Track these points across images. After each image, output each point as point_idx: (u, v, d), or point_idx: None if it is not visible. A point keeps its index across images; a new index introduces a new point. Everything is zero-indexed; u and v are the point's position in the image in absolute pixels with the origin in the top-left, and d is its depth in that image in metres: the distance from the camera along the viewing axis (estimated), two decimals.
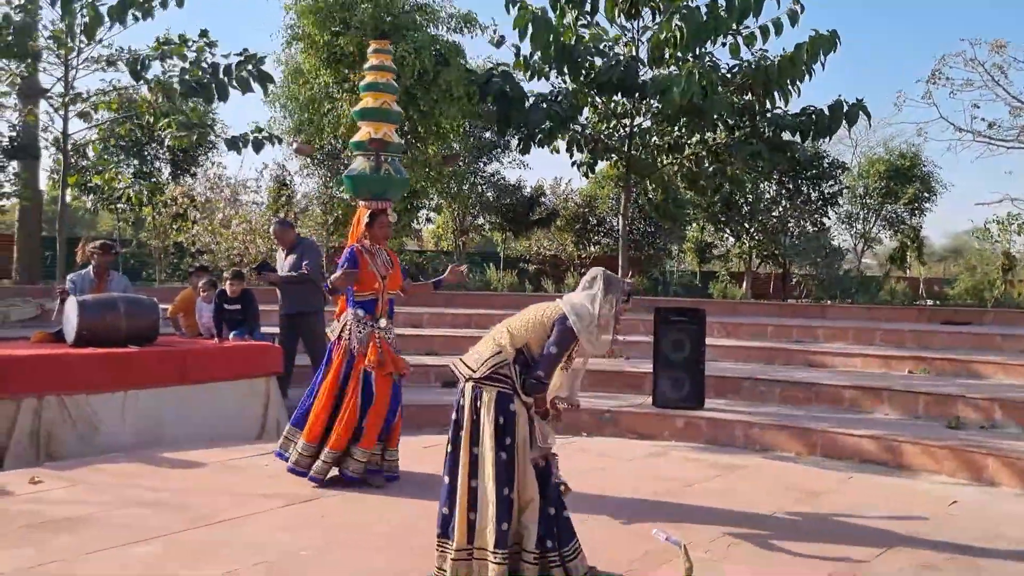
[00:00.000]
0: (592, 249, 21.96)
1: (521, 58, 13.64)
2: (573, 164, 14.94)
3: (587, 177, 16.67)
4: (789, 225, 21.33)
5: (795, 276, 20.04)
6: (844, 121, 13.90)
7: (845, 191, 22.84)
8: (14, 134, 14.35)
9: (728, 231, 22.96)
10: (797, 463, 7.53)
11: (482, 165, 21.37)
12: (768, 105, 13.81)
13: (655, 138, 14.66)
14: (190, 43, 12.47)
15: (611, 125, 14.68)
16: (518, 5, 12.84)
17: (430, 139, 14.23)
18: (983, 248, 23.13)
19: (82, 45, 12.53)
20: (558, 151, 14.50)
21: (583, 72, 13.56)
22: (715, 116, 13.37)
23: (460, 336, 10.75)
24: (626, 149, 14.30)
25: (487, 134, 19.68)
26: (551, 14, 13.05)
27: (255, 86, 12.48)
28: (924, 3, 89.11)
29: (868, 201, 23.99)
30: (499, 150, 21.05)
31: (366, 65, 6.62)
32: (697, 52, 13.21)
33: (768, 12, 13.59)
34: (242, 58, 12.49)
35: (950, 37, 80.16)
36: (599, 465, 6.98)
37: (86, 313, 7.41)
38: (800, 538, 4.99)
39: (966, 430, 8.05)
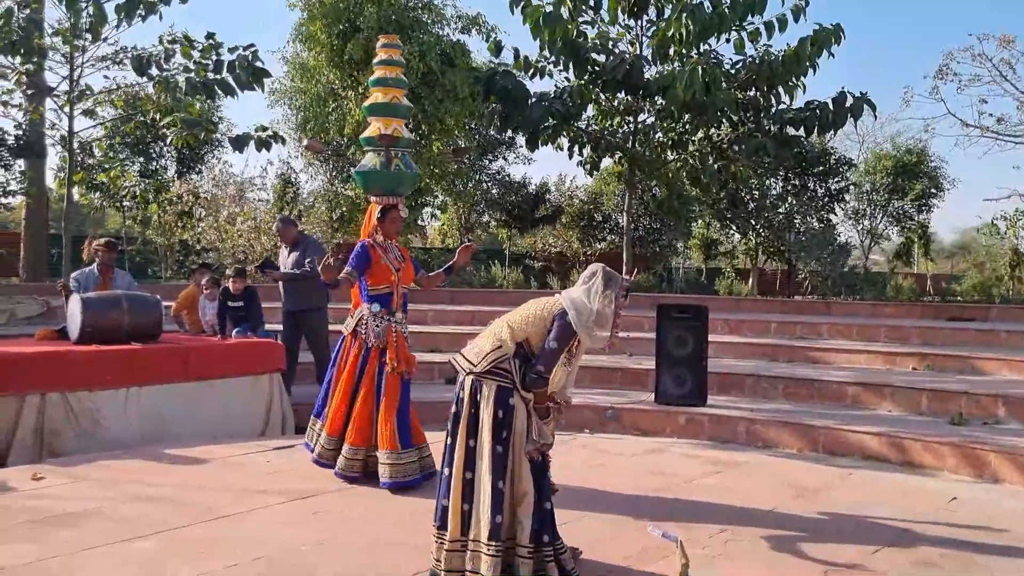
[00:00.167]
0: (598, 246, 21.95)
1: (522, 59, 13.67)
2: (577, 163, 14.94)
3: (591, 175, 16.67)
4: (795, 222, 21.27)
5: (801, 273, 20.00)
6: (849, 115, 13.86)
7: (852, 187, 22.76)
8: (20, 132, 14.40)
9: (734, 228, 22.91)
10: (798, 460, 7.52)
11: (487, 162, 21.38)
12: (772, 101, 13.79)
13: (659, 134, 14.65)
14: (196, 44, 12.52)
15: (614, 122, 14.68)
16: (522, 4, 12.86)
17: (435, 137, 14.27)
18: (991, 244, 23.04)
19: (87, 43, 12.59)
20: (562, 148, 14.51)
21: (588, 69, 13.57)
22: (718, 112, 13.34)
23: (464, 333, 10.72)
24: (630, 146, 14.29)
25: (492, 131, 19.71)
26: (562, 10, 13.05)
27: (253, 83, 12.49)
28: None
29: (875, 197, 23.90)
30: (504, 147, 21.07)
31: (375, 60, 6.62)
32: (701, 48, 13.21)
33: (772, 8, 13.53)
34: (244, 51, 12.51)
35: (958, 33, 79.86)
36: (600, 462, 7.00)
37: (89, 310, 7.46)
38: (798, 534, 5.00)
39: (969, 427, 8.02)
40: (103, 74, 13.22)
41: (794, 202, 21.56)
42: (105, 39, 12.56)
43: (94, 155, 15.36)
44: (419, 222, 19.43)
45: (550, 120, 13.62)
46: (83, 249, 9.04)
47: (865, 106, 13.78)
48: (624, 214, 15.89)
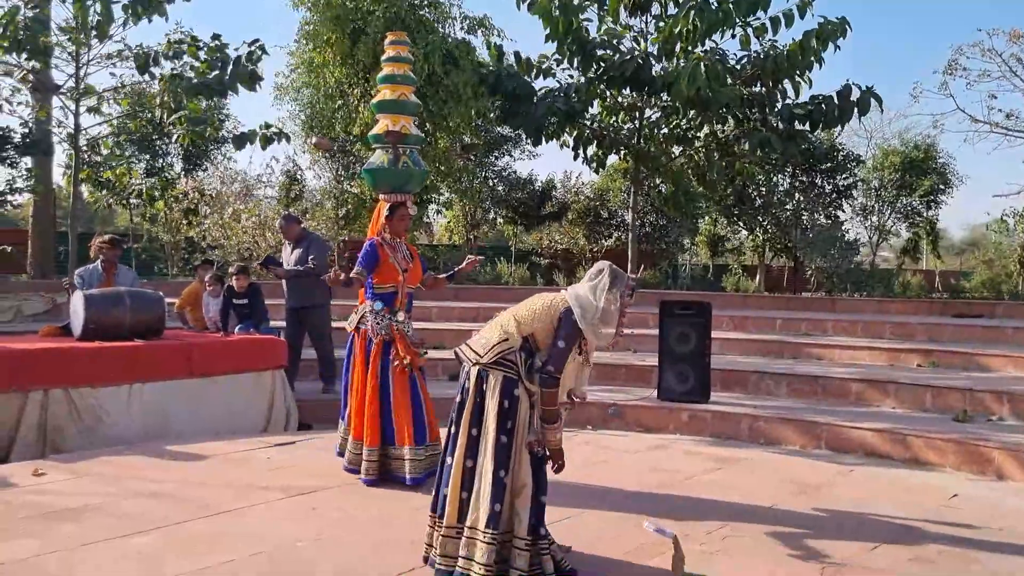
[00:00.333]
0: (604, 243, 21.92)
1: (524, 62, 13.71)
2: (582, 160, 14.92)
3: (597, 173, 16.66)
4: (803, 218, 21.19)
5: (809, 269, 19.93)
6: (856, 110, 13.82)
7: (860, 184, 22.67)
8: (26, 130, 14.47)
9: (741, 224, 22.85)
10: (801, 456, 7.51)
11: (493, 159, 21.37)
12: (778, 96, 13.76)
13: (664, 130, 14.63)
14: (201, 44, 12.58)
15: (619, 118, 14.67)
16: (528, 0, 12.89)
17: (440, 135, 14.29)
18: (1000, 240, 22.91)
19: (94, 41, 12.64)
20: (568, 146, 14.51)
21: (595, 65, 13.58)
22: (723, 108, 13.31)
23: (469, 330, 10.72)
24: (635, 143, 14.28)
25: (499, 129, 19.71)
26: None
27: (250, 84, 12.56)
28: None
29: (883, 194, 23.79)
30: (510, 144, 21.06)
31: (383, 57, 6.57)
32: (707, 44, 13.20)
33: (778, 4, 13.55)
34: (251, 48, 12.58)
35: (967, 28, 79.40)
36: (601, 458, 7.00)
37: (92, 307, 7.49)
38: (797, 531, 4.99)
39: (974, 423, 7.98)
40: (108, 71, 13.22)
41: (801, 198, 21.49)
42: (111, 37, 12.61)
43: (100, 153, 15.40)
44: (425, 219, 19.42)
45: (553, 118, 13.64)
46: (90, 246, 9.07)
47: (872, 100, 13.75)
48: (630, 211, 15.88)
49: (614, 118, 14.76)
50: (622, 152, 15.05)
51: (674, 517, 5.16)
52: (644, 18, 13.94)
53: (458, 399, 4.21)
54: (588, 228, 22.00)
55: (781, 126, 14.05)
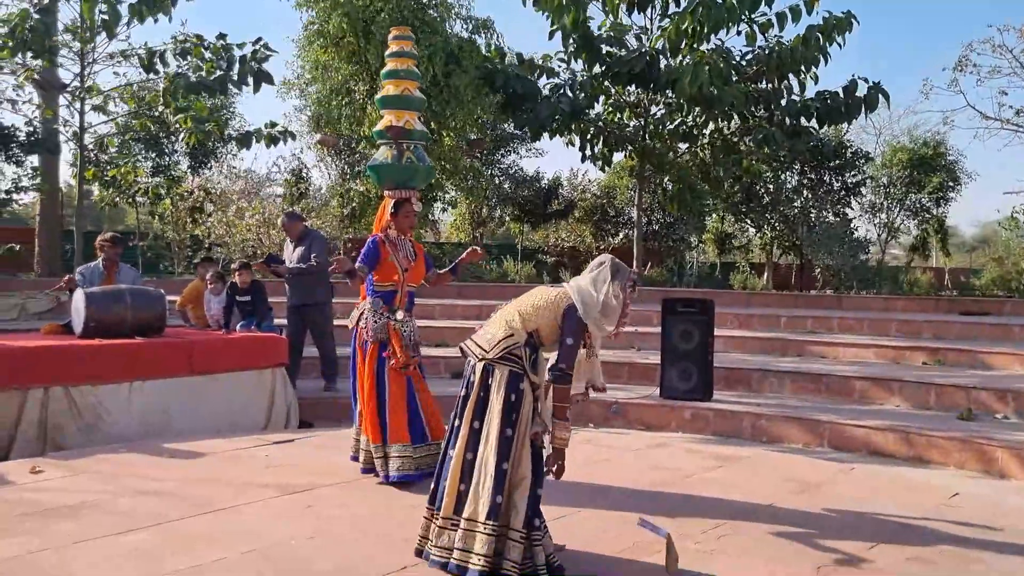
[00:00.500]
0: (611, 240, 21.87)
1: (527, 61, 13.70)
2: (584, 159, 14.89)
3: (602, 170, 16.62)
4: (811, 216, 21.09)
5: (817, 267, 19.84)
6: (863, 106, 13.75)
7: (868, 181, 22.55)
8: (31, 128, 14.51)
9: (749, 221, 22.75)
10: (802, 455, 7.47)
11: (499, 157, 21.34)
12: (784, 92, 13.70)
13: (670, 125, 14.59)
14: (206, 43, 12.62)
15: (624, 115, 14.63)
16: None
17: (445, 133, 14.30)
18: (1010, 238, 22.75)
19: (99, 40, 12.70)
20: (573, 144, 14.49)
21: (600, 62, 13.56)
22: (728, 106, 13.26)
23: (472, 328, 10.73)
24: (640, 139, 14.24)
25: (505, 126, 19.69)
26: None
27: (254, 83, 12.59)
28: None
29: (892, 191, 23.66)
30: (517, 142, 21.02)
31: (387, 52, 6.51)
32: (712, 41, 13.15)
33: (785, 1, 13.44)
34: (256, 48, 12.62)
35: (979, 24, 78.92)
36: (602, 456, 6.96)
37: (93, 305, 7.50)
38: (795, 529, 4.94)
39: (978, 422, 7.93)
40: (113, 70, 13.33)
41: (810, 196, 21.38)
42: (116, 35, 12.65)
43: (107, 151, 15.46)
44: (430, 217, 19.43)
45: (557, 116, 13.62)
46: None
47: (879, 96, 13.68)
48: (635, 208, 15.84)
49: (619, 115, 14.71)
50: (627, 149, 15.01)
51: (672, 515, 5.13)
52: (650, 13, 13.89)
53: (462, 393, 4.23)
54: (595, 226, 21.95)
55: (788, 122, 13.97)
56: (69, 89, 13.38)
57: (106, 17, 12.03)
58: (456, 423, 4.21)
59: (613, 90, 14.27)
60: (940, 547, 4.71)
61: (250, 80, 12.87)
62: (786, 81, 13.49)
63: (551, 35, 13.31)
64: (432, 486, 4.28)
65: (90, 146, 13.94)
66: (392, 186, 6.25)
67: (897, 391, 8.90)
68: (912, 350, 10.40)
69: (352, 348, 6.03)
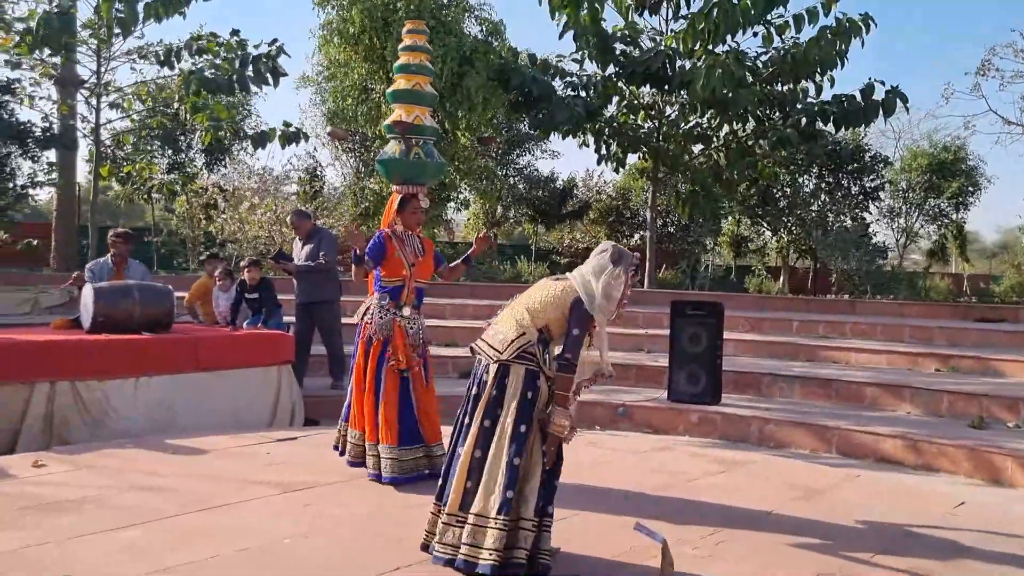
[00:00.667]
0: (626, 242, 21.80)
1: (540, 61, 13.68)
2: (600, 161, 14.84)
3: (616, 172, 16.58)
4: (828, 219, 20.95)
5: (834, 271, 19.70)
6: (881, 111, 13.62)
7: (887, 185, 22.38)
8: (47, 124, 14.62)
9: (765, 225, 22.62)
10: (809, 461, 7.40)
11: (515, 157, 21.33)
12: (800, 95, 13.60)
13: (684, 126, 14.53)
14: (221, 40, 12.68)
15: (638, 116, 14.58)
16: None
17: (459, 133, 14.31)
18: None
19: (116, 39, 12.78)
20: (587, 145, 14.45)
21: (616, 62, 13.52)
22: (742, 110, 13.18)
23: (482, 328, 10.71)
24: (654, 140, 14.18)
25: (521, 126, 19.66)
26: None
27: (270, 79, 12.65)
28: None
29: (910, 195, 23.47)
30: (531, 142, 21.01)
31: (400, 46, 6.44)
32: (728, 43, 13.08)
33: (804, 2, 13.36)
34: (270, 48, 12.68)
35: (1001, 27, 78.10)
36: (605, 459, 6.92)
37: (101, 300, 7.53)
38: (793, 537, 4.88)
39: (990, 430, 7.84)
40: (130, 66, 13.37)
41: (827, 200, 21.24)
42: (132, 33, 12.74)
43: (123, 148, 15.57)
44: (444, 216, 19.44)
45: (571, 117, 13.59)
46: None
47: (897, 100, 13.54)
48: (649, 210, 15.77)
49: (633, 117, 14.66)
50: (641, 151, 14.95)
51: (671, 519, 5.08)
52: (666, 13, 13.83)
53: (473, 391, 4.24)
54: (610, 227, 21.90)
55: (803, 124, 13.87)
56: (87, 86, 13.48)
57: (123, 16, 12.11)
58: (465, 420, 4.22)
59: (628, 91, 14.21)
60: (942, 556, 4.64)
61: (269, 78, 12.92)
62: (802, 83, 13.38)
63: (562, 34, 13.28)
64: (440, 483, 4.29)
65: (107, 142, 14.02)
66: (400, 181, 6.20)
67: (908, 398, 8.81)
68: (925, 356, 10.30)
69: (355, 342, 6.01)
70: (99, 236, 13.12)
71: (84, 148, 16.81)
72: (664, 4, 13.55)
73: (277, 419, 8.07)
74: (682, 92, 13.50)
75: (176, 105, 13.16)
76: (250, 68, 12.86)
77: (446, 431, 5.94)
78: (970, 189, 23.04)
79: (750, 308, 13.47)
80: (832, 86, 13.66)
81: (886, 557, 4.58)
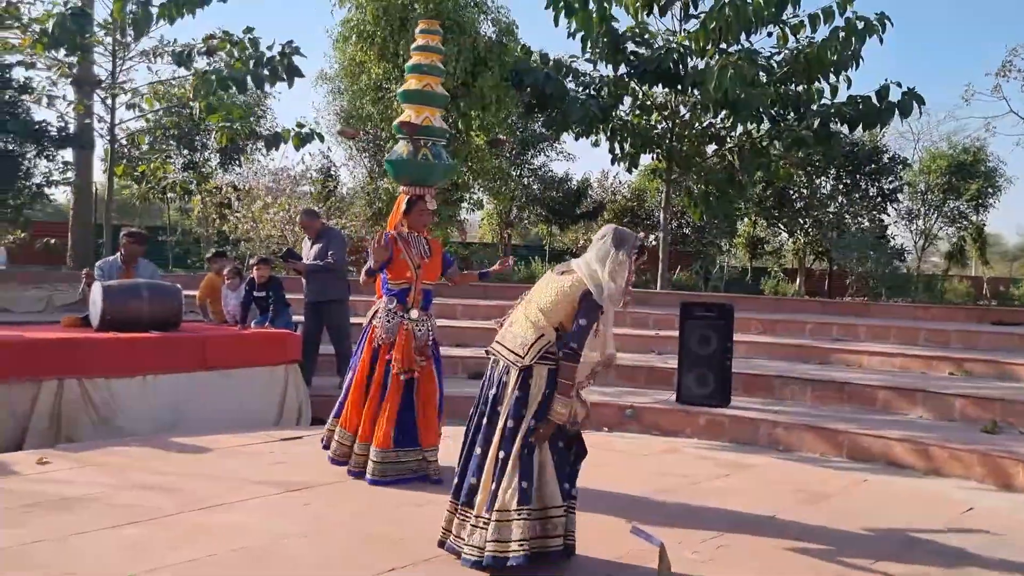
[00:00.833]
0: None
1: (552, 61, 13.65)
2: (613, 161, 14.79)
3: (629, 172, 16.52)
4: (846, 221, 20.78)
5: (851, 274, 19.54)
6: (897, 112, 13.49)
7: (906, 187, 22.17)
8: (62, 124, 14.75)
9: (781, 226, 22.46)
10: (816, 465, 7.32)
11: (529, 158, 21.30)
12: (815, 95, 13.50)
13: (697, 126, 14.45)
14: (234, 38, 12.74)
15: (651, 117, 14.51)
16: None
17: (472, 133, 14.30)
18: None
19: (131, 40, 12.87)
20: (598, 144, 14.40)
21: (627, 61, 13.47)
22: (755, 110, 13.08)
23: (493, 329, 10.67)
24: (667, 141, 14.12)
25: (536, 127, 19.63)
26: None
27: (285, 78, 12.69)
28: None
29: (929, 197, 23.24)
30: (546, 143, 20.97)
31: (412, 46, 6.40)
32: (741, 42, 12.99)
33: (819, 2, 13.22)
34: (283, 49, 12.73)
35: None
36: (609, 461, 6.86)
37: (109, 298, 7.57)
38: (794, 543, 4.82)
39: (1004, 435, 7.74)
40: (146, 66, 13.44)
41: (844, 201, 21.07)
42: (147, 34, 12.83)
43: (139, 147, 15.68)
44: (458, 217, 19.45)
45: (586, 117, 13.55)
46: None
47: (913, 102, 13.41)
48: (662, 211, 15.70)
49: (646, 117, 14.60)
50: (655, 151, 14.89)
51: (673, 522, 5.05)
52: (679, 14, 13.77)
53: (492, 392, 4.24)
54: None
55: (815, 124, 13.75)
56: (103, 86, 13.57)
57: (136, 16, 12.20)
58: (483, 422, 4.24)
59: (641, 92, 14.16)
60: (946, 563, 4.56)
61: (284, 75, 12.97)
62: (816, 84, 13.27)
63: (571, 34, 13.24)
64: (456, 481, 4.32)
65: (123, 142, 14.12)
66: (408, 182, 6.14)
67: (920, 401, 8.71)
68: (939, 360, 10.19)
69: (359, 344, 5.99)
70: (113, 235, 13.21)
71: (100, 148, 16.96)
72: (675, 4, 13.47)
73: (284, 418, 8.08)
74: (695, 92, 13.42)
75: (191, 105, 13.21)
76: (266, 68, 12.93)
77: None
78: (990, 191, 22.78)
79: (764, 310, 13.37)
80: (849, 87, 13.55)
81: (888, 563, 4.52)
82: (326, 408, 8.54)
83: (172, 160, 17.71)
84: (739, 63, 11.99)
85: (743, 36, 12.98)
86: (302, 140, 13.76)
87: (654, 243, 21.11)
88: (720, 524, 5.13)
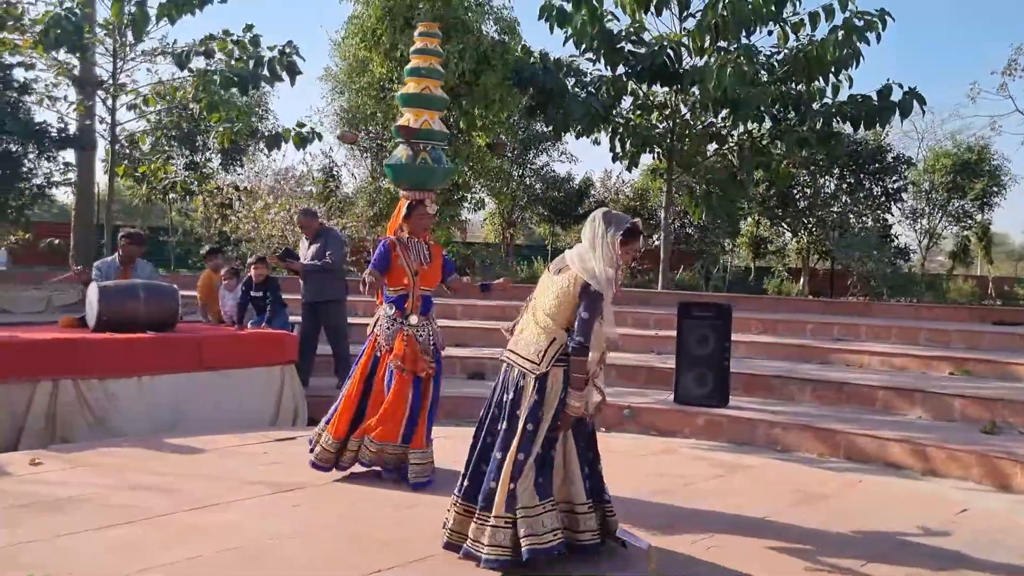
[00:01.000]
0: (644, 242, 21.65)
1: (554, 61, 13.64)
2: (615, 159, 14.78)
3: (630, 171, 16.49)
4: (850, 221, 20.71)
5: (855, 273, 19.47)
6: (898, 111, 13.45)
7: (910, 186, 22.09)
8: (62, 125, 14.79)
9: (785, 226, 22.40)
10: (812, 465, 7.29)
11: (531, 157, 21.27)
12: (816, 95, 13.45)
13: (698, 125, 14.42)
14: (234, 37, 12.75)
15: (652, 117, 14.49)
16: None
17: (476, 133, 14.29)
18: None
19: (130, 41, 12.89)
20: (599, 143, 14.39)
21: (624, 61, 13.45)
22: (755, 109, 13.04)
23: (493, 328, 10.66)
24: (668, 140, 14.09)
25: (538, 126, 19.61)
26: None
27: (285, 77, 12.70)
28: None
29: (934, 196, 23.16)
30: (548, 143, 20.94)
31: (412, 49, 6.37)
32: (741, 40, 12.95)
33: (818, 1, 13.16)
34: (283, 49, 12.75)
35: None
36: (607, 461, 6.66)
37: (105, 299, 7.58)
38: (786, 544, 4.79)
39: (1003, 435, 7.70)
40: (147, 67, 13.49)
41: (848, 201, 21.00)
42: (147, 34, 12.84)
43: (140, 148, 15.70)
44: (459, 217, 19.46)
45: (587, 116, 13.53)
46: None
47: (915, 102, 13.36)
48: (662, 210, 15.67)
49: (647, 117, 14.57)
50: (655, 151, 14.86)
51: (664, 524, 5.03)
52: (678, 12, 13.75)
53: (509, 397, 4.26)
54: None
55: (817, 124, 13.71)
56: (104, 86, 13.59)
57: (133, 18, 12.21)
58: (503, 426, 4.24)
59: (641, 92, 14.13)
60: (937, 564, 4.53)
61: (284, 75, 12.97)
62: (816, 83, 13.22)
63: (565, 40, 13.25)
64: (466, 484, 4.34)
65: (124, 142, 14.14)
66: (407, 186, 6.11)
67: (919, 402, 8.68)
68: (940, 360, 10.15)
69: (361, 351, 5.96)
70: (114, 236, 13.22)
71: (101, 148, 16.99)
72: (671, 1, 13.44)
73: (280, 419, 8.08)
74: (694, 90, 13.39)
75: (192, 106, 13.23)
76: (265, 68, 12.94)
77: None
78: (995, 189, 22.69)
79: (765, 310, 13.34)
80: (850, 86, 13.50)
81: (878, 565, 4.48)
82: (323, 409, 8.50)
83: (174, 160, 17.74)
84: (738, 61, 11.95)
85: (743, 34, 12.94)
86: (303, 140, 13.76)
87: (656, 243, 21.10)
88: (712, 525, 5.10)
